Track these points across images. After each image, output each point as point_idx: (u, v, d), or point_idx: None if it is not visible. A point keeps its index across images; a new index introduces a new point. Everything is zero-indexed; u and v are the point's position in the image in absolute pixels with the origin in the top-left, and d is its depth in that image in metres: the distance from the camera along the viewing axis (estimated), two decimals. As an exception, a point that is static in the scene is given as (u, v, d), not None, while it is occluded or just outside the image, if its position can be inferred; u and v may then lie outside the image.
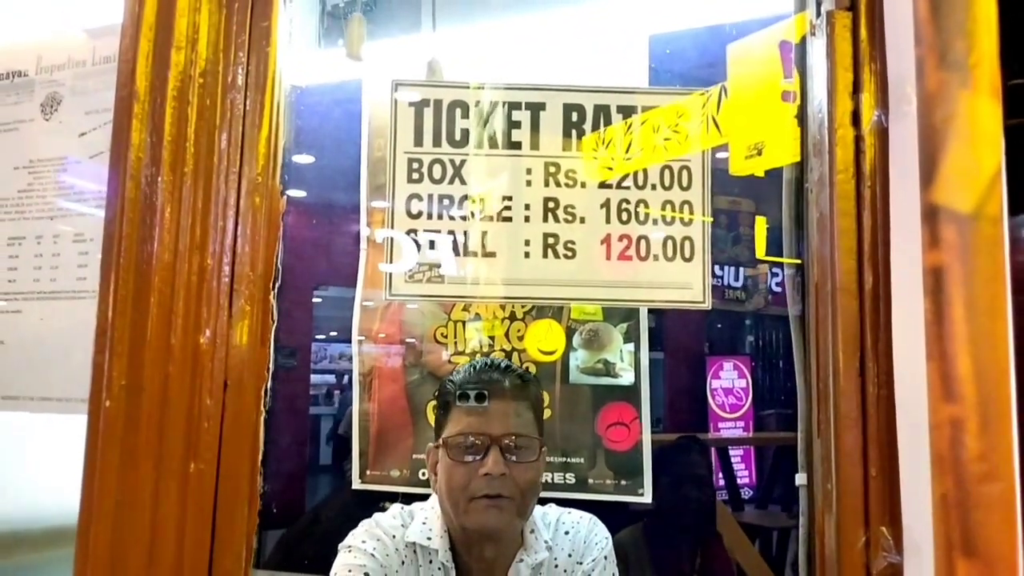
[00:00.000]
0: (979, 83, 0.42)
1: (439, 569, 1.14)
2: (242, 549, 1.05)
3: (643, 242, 1.32)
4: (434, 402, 1.37)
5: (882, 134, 0.96)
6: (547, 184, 1.34)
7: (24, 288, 1.23)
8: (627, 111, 1.36)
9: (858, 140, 0.98)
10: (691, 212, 1.33)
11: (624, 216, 1.33)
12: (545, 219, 1.33)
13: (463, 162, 1.36)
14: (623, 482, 1.43)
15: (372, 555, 1.12)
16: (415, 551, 1.16)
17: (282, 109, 1.15)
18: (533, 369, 1.44)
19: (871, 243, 0.95)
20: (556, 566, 1.18)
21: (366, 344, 1.50)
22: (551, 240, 1.33)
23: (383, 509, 1.23)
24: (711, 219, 1.33)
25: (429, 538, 1.15)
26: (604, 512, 1.27)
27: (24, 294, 1.23)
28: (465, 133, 1.37)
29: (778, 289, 1.35)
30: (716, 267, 1.46)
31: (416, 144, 1.36)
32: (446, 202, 1.35)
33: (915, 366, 0.86)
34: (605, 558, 1.19)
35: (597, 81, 1.39)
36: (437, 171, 1.36)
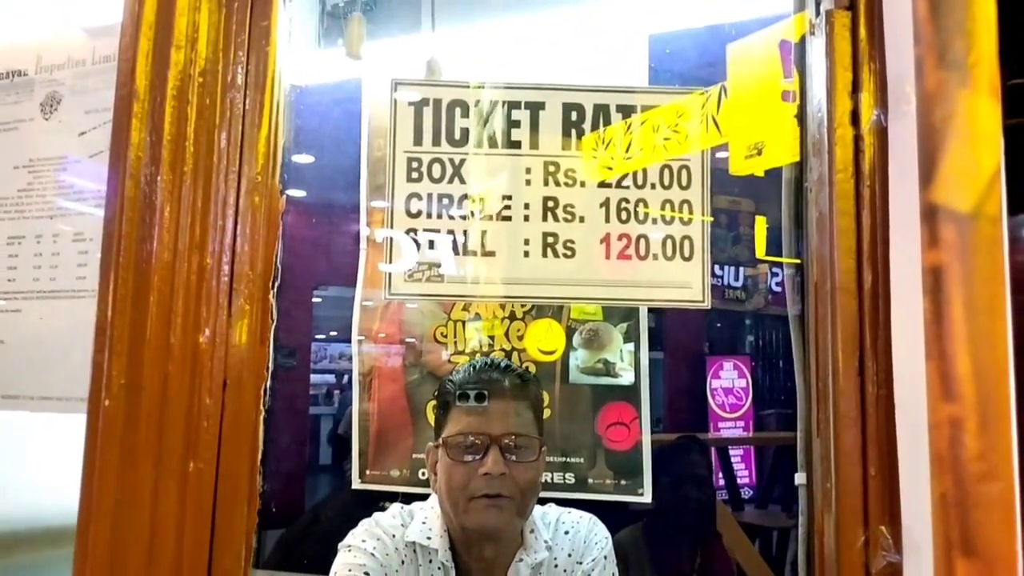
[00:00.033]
0: (978, 82, 0.42)
1: (439, 569, 1.14)
2: (241, 548, 1.05)
3: (642, 241, 1.32)
4: (434, 402, 1.37)
5: (881, 133, 0.96)
6: (546, 183, 1.34)
7: (24, 287, 1.23)
8: (627, 111, 1.36)
9: (857, 139, 0.98)
10: (690, 211, 1.33)
11: (623, 215, 1.33)
12: (544, 218, 1.33)
13: (462, 161, 1.36)
14: (623, 482, 1.43)
15: (372, 554, 1.12)
16: (415, 550, 1.16)
17: (282, 108, 1.15)
18: (533, 369, 1.44)
19: (870, 242, 0.95)
20: (556, 566, 1.18)
21: (366, 344, 1.50)
22: (550, 239, 1.33)
23: (383, 509, 1.23)
24: (711, 218, 1.33)
25: (429, 538, 1.15)
26: (604, 512, 1.27)
27: (24, 293, 1.23)
28: (465, 132, 1.37)
29: (778, 289, 1.35)
30: (716, 267, 1.46)
31: (415, 143, 1.36)
32: (445, 201, 1.35)
33: (914, 365, 0.86)
34: (605, 558, 1.19)
35: (597, 81, 1.39)
36: (436, 170, 1.36)
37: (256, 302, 1.09)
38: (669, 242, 1.32)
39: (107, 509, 1.02)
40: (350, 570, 1.10)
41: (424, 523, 1.17)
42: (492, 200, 1.34)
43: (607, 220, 1.33)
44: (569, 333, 1.47)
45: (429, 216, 1.35)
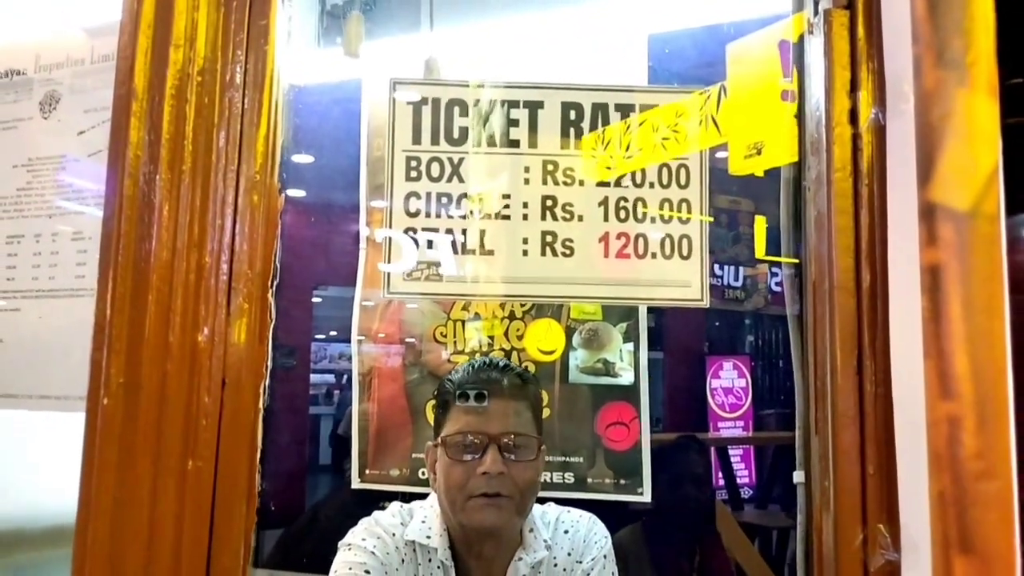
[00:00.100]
0: (977, 81, 0.42)
1: (438, 567, 1.14)
2: (240, 547, 1.05)
3: (641, 240, 1.32)
4: (433, 401, 1.37)
5: (879, 132, 0.96)
6: (545, 182, 1.34)
7: (23, 286, 1.23)
8: (625, 110, 1.36)
9: (856, 138, 0.98)
10: (689, 211, 1.33)
11: (622, 214, 1.33)
12: (543, 217, 1.33)
13: (461, 160, 1.36)
14: (622, 481, 1.43)
15: (372, 553, 1.12)
16: (414, 549, 1.16)
17: (280, 108, 1.15)
18: (532, 368, 1.44)
19: (869, 241, 0.95)
20: (555, 565, 1.18)
21: (365, 344, 1.50)
22: (549, 238, 1.33)
23: (382, 508, 1.23)
24: (710, 218, 1.33)
25: (428, 536, 1.15)
26: (603, 511, 1.27)
27: (23, 292, 1.23)
28: (463, 131, 1.37)
29: (778, 289, 1.35)
30: (716, 267, 1.46)
31: (414, 143, 1.36)
32: (444, 200, 1.35)
33: (912, 364, 0.86)
34: (604, 557, 1.19)
35: (596, 80, 1.39)
36: (435, 170, 1.36)
37: (255, 301, 1.09)
38: (668, 241, 1.32)
39: (106, 508, 1.02)
40: (350, 568, 1.11)
41: (424, 522, 1.17)
42: (491, 199, 1.34)
43: (606, 219, 1.33)
44: (568, 333, 1.47)
45: (428, 215, 1.35)
